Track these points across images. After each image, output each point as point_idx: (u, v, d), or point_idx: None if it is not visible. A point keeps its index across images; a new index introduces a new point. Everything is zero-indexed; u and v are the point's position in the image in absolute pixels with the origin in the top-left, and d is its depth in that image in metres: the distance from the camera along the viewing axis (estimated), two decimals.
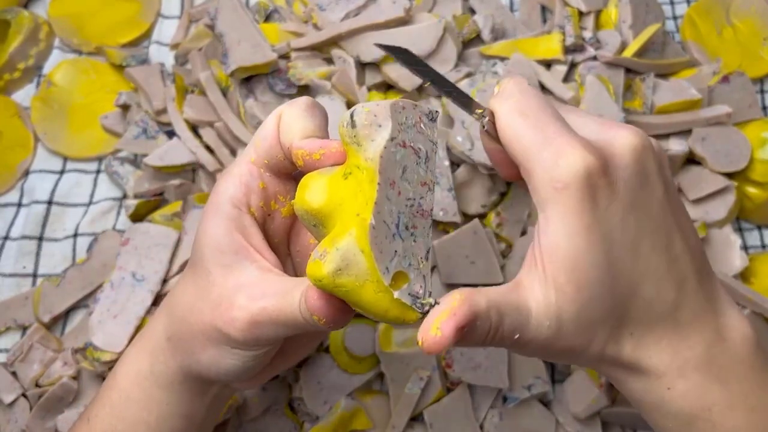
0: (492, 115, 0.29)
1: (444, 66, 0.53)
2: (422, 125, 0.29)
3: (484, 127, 0.30)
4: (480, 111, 0.30)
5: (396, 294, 0.26)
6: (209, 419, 0.37)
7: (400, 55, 0.33)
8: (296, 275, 0.35)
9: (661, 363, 0.28)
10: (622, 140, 0.28)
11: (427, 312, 0.27)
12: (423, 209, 0.28)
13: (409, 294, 0.27)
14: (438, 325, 0.25)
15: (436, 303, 0.27)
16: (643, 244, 0.28)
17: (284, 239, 0.35)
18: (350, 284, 0.26)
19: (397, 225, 0.27)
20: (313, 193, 0.28)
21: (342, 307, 0.28)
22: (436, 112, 0.30)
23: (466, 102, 0.31)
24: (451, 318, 0.25)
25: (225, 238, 0.31)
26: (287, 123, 0.31)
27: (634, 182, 0.28)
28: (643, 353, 0.28)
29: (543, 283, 0.27)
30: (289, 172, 0.33)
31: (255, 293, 0.30)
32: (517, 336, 0.27)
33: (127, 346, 0.46)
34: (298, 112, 0.31)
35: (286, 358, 0.36)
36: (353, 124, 0.27)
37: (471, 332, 0.26)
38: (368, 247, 0.26)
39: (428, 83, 0.32)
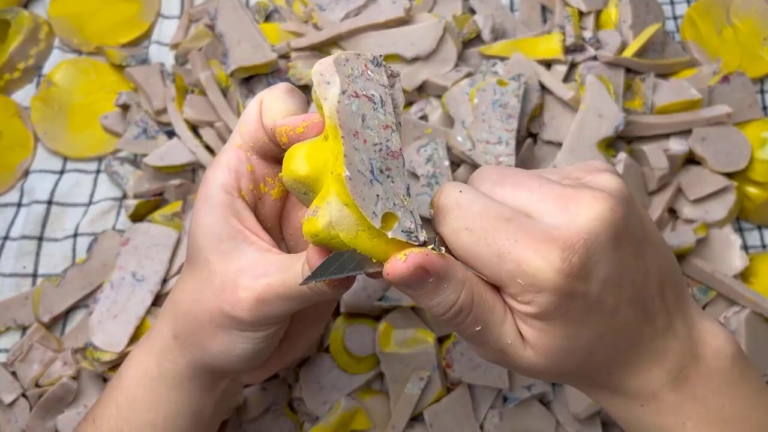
0: (441, 240, 0.28)
1: (444, 66, 0.53)
2: (369, 72, 0.29)
3: (438, 251, 0.28)
4: (430, 247, 0.28)
5: (390, 234, 0.27)
6: (216, 416, 0.37)
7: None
8: None
9: (636, 388, 0.29)
10: (587, 215, 0.26)
11: (424, 243, 0.27)
12: (392, 150, 0.28)
13: (402, 231, 0.27)
14: (407, 254, 0.26)
15: (430, 238, 0.28)
16: (621, 306, 0.27)
17: (276, 223, 0.36)
18: (345, 236, 0.26)
19: (371, 171, 0.27)
20: (297, 161, 0.28)
21: None
22: (380, 56, 0.30)
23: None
24: (421, 255, 0.26)
25: (220, 225, 0.32)
26: (268, 105, 0.32)
27: (607, 252, 0.26)
28: (618, 382, 0.29)
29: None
30: (275, 154, 0.34)
31: (257, 273, 0.31)
32: (478, 329, 0.28)
33: (128, 346, 0.46)
34: (278, 94, 0.32)
35: (294, 344, 0.37)
36: (319, 79, 0.28)
37: (436, 288, 0.27)
38: (350, 199, 0.26)
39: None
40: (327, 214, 0.26)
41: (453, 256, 0.28)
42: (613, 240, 0.26)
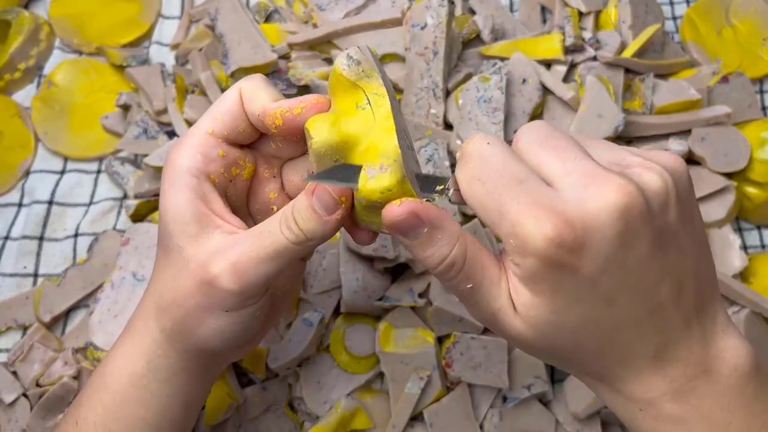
0: (455, 182, 0.29)
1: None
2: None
3: (450, 200, 0.30)
4: (441, 187, 0.30)
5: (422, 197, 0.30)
6: (203, 398, 0.38)
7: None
8: None
9: (635, 391, 0.29)
10: (600, 201, 0.25)
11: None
12: (405, 129, 0.32)
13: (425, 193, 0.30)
14: (404, 200, 0.28)
15: (445, 179, 0.30)
16: (620, 298, 0.27)
17: (244, 201, 0.36)
18: (406, 189, 0.29)
19: (408, 146, 0.31)
20: (335, 127, 0.30)
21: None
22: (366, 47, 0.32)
23: (429, 182, 0.31)
24: (415, 203, 0.28)
25: (186, 208, 0.32)
26: (251, 93, 0.33)
27: (610, 245, 0.26)
28: (617, 381, 0.29)
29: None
30: (249, 141, 0.34)
31: (228, 249, 0.31)
32: (470, 286, 0.28)
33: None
34: (258, 83, 0.33)
35: (275, 308, 0.37)
36: (357, 62, 0.30)
37: (429, 238, 0.28)
38: (401, 159, 0.29)
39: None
40: (398, 170, 0.28)
41: (462, 201, 0.29)
42: (621, 235, 0.26)
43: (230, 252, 0.31)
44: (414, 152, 0.33)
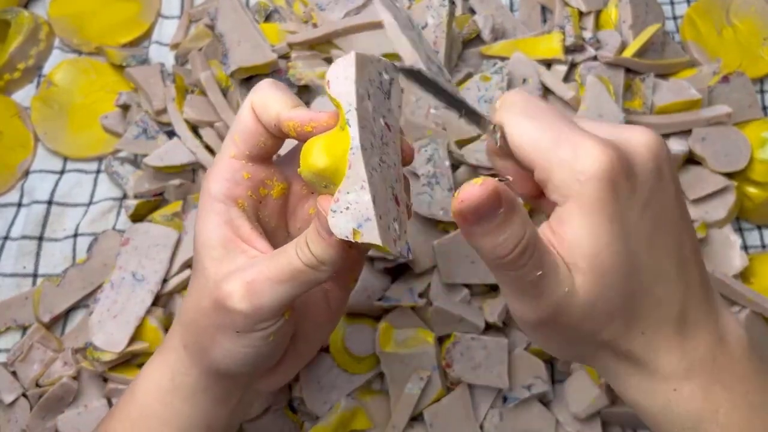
0: (502, 129, 0.29)
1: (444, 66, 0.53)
2: (380, 73, 0.31)
3: (497, 143, 0.29)
4: (492, 126, 0.30)
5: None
6: (232, 425, 0.37)
7: (413, 75, 0.33)
8: None
9: (669, 364, 0.28)
10: (639, 138, 0.28)
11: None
12: (392, 163, 0.31)
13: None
14: (484, 179, 0.25)
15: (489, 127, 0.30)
16: (658, 242, 0.28)
17: (281, 222, 0.36)
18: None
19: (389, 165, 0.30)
20: (315, 155, 0.29)
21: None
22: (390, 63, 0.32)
23: (477, 119, 0.31)
24: (495, 181, 0.26)
25: (213, 233, 0.32)
26: (263, 103, 0.32)
27: (651, 179, 0.28)
28: (652, 353, 0.29)
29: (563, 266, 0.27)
30: (275, 151, 0.34)
31: (246, 269, 0.31)
32: (539, 273, 0.27)
33: (128, 346, 0.46)
34: (267, 91, 0.33)
35: (298, 351, 0.36)
36: (336, 77, 0.29)
37: (506, 220, 0.26)
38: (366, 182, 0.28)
39: (443, 107, 0.32)
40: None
41: (506, 149, 0.29)
42: (657, 171, 0.28)
43: (246, 272, 0.31)
44: (399, 167, 0.32)
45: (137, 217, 0.52)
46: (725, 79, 0.54)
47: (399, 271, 0.49)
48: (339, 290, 0.36)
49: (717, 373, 0.28)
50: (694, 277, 0.29)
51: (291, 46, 0.55)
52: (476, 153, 0.49)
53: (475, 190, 0.25)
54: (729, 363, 0.29)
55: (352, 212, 0.28)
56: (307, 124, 0.31)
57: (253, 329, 0.31)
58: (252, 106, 0.33)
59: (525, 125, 0.28)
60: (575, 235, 0.27)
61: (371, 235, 0.27)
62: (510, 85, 0.51)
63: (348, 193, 0.28)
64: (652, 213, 0.28)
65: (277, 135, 0.33)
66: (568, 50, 0.54)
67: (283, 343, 0.34)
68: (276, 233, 0.35)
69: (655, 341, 0.28)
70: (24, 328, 0.50)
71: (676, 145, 0.51)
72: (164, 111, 0.54)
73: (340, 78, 0.29)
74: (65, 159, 0.56)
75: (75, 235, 0.53)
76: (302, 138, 0.31)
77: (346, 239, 0.28)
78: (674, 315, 0.28)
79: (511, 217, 0.26)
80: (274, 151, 0.34)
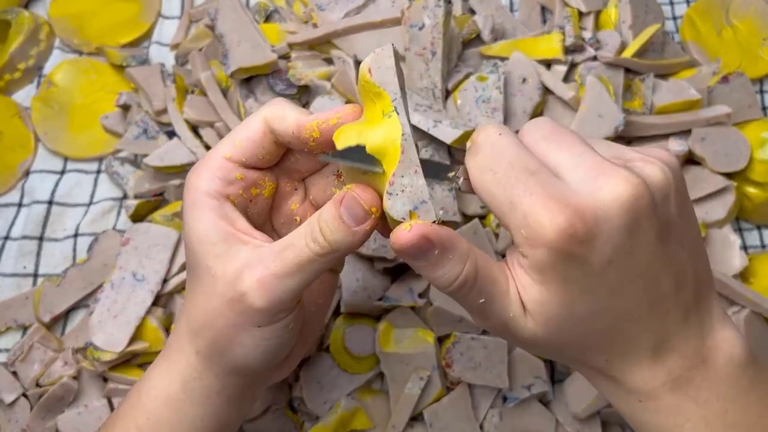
0: (466, 172, 0.30)
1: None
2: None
3: (459, 188, 0.31)
4: (452, 174, 0.31)
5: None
6: (239, 423, 0.38)
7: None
8: None
9: (640, 381, 0.29)
10: (610, 193, 0.26)
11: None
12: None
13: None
14: (412, 224, 0.28)
15: (456, 167, 0.31)
16: (625, 289, 0.27)
17: (268, 218, 0.36)
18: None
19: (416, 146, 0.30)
20: (360, 138, 0.30)
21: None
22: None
23: (438, 170, 0.32)
24: (425, 226, 0.28)
25: (211, 229, 0.32)
26: (280, 114, 0.33)
27: (618, 236, 0.26)
28: (619, 372, 0.29)
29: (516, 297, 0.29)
30: (267, 165, 0.34)
31: (254, 264, 0.31)
32: (482, 301, 0.28)
33: (128, 345, 0.46)
34: (284, 104, 0.33)
35: (303, 336, 0.36)
36: (378, 67, 0.30)
37: (440, 259, 0.28)
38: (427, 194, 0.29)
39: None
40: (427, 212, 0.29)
41: (470, 191, 0.29)
42: (629, 226, 0.26)
43: (256, 268, 0.31)
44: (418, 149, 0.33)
45: (137, 217, 0.52)
46: (725, 79, 0.54)
47: (399, 271, 0.49)
48: (329, 272, 0.37)
49: (692, 393, 0.29)
50: (672, 309, 0.29)
51: (291, 46, 0.55)
52: None
53: (404, 235, 0.27)
54: (708, 382, 0.29)
55: (408, 195, 0.29)
56: (333, 117, 0.31)
57: (273, 321, 0.32)
58: (265, 118, 0.33)
59: (486, 179, 0.28)
60: (527, 282, 0.28)
61: (428, 215, 0.29)
62: (507, 85, 0.51)
63: (402, 176, 0.29)
64: (617, 267, 0.27)
65: (291, 143, 0.33)
66: (568, 50, 0.54)
67: (298, 328, 0.34)
68: (262, 229, 0.35)
69: (618, 365, 0.29)
70: (24, 328, 0.50)
71: (676, 145, 0.51)
72: (164, 111, 0.54)
73: (382, 68, 0.30)
74: (65, 159, 0.56)
75: (75, 235, 0.53)
76: (327, 135, 0.31)
77: (403, 220, 0.29)
78: (648, 345, 0.29)
79: (446, 256, 0.28)
80: (268, 165, 0.34)
